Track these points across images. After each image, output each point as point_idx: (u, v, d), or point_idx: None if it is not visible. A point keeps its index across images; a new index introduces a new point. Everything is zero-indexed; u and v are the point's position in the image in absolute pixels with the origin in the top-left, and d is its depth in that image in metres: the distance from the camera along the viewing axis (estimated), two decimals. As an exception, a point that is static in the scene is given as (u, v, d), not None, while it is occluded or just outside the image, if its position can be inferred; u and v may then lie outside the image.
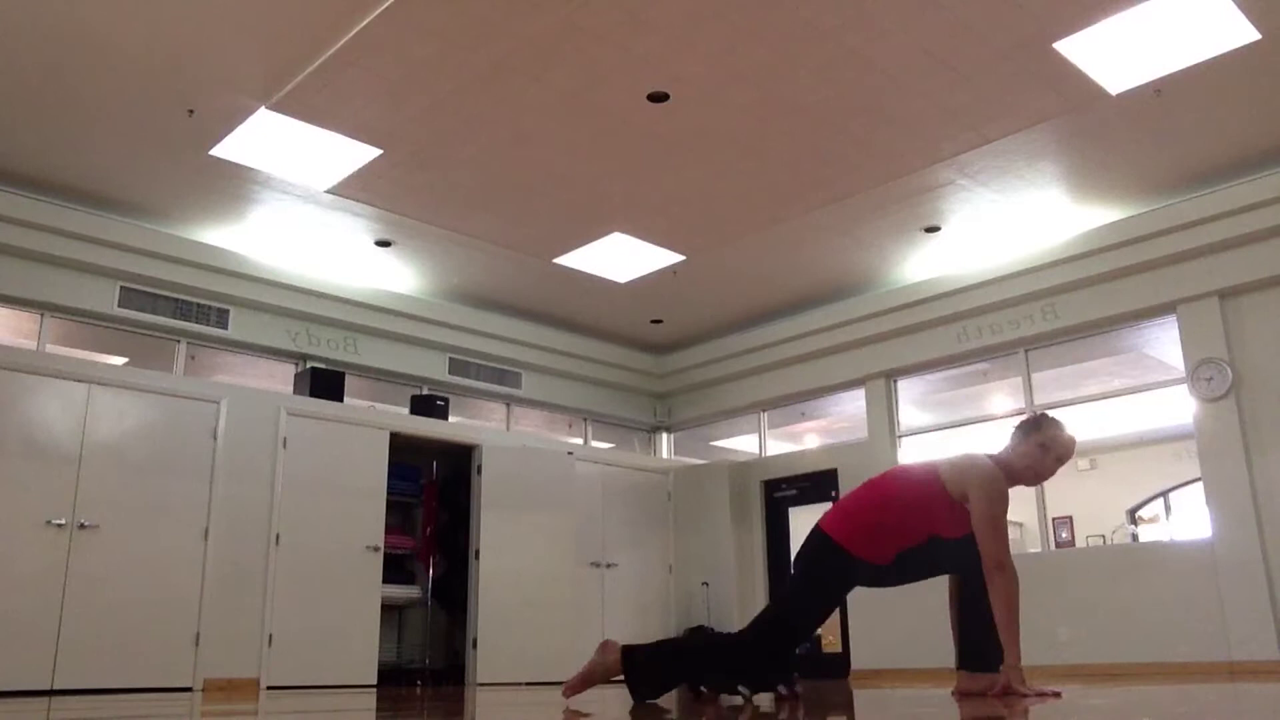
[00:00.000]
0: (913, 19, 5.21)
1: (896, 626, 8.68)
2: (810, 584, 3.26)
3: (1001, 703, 2.77)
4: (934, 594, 9.26)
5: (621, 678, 3.16)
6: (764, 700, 3.14)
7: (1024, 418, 3.45)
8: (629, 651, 3.14)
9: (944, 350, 8.80)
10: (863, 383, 9.43)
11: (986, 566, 3.06)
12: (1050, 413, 3.47)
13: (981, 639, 3.21)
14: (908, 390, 9.44)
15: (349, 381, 8.57)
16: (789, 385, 9.99)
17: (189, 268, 7.82)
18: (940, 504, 3.21)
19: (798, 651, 3.33)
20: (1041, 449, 3.26)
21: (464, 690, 6.42)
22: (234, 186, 7.13)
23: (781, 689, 3.23)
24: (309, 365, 8.48)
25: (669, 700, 3.23)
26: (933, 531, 3.25)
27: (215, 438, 7.46)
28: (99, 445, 6.92)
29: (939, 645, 8.27)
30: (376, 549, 8.07)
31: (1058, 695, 2.93)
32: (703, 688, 3.19)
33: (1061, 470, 3.40)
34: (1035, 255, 8.14)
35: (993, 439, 11.67)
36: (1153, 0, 5.08)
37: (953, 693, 3.41)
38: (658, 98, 5.94)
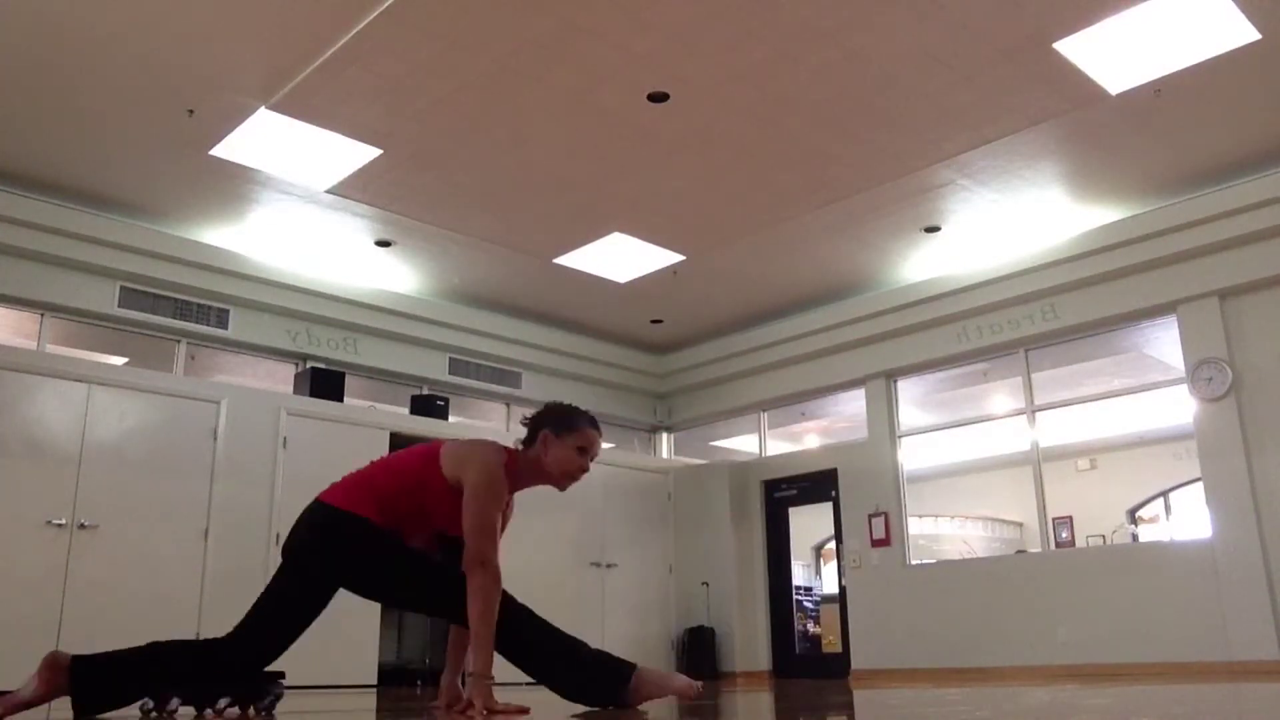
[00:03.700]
0: (913, 19, 5.21)
1: (896, 626, 8.68)
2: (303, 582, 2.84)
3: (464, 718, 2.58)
4: (934, 594, 9.23)
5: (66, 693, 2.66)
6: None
7: (546, 414, 3.01)
8: (80, 661, 2.66)
9: (944, 350, 8.81)
10: (863, 383, 9.44)
11: (468, 560, 2.70)
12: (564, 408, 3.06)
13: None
14: (908, 390, 9.44)
15: (349, 381, 8.56)
16: (789, 385, 9.99)
17: (189, 268, 7.82)
18: (434, 484, 2.82)
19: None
20: (580, 452, 2.96)
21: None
22: (234, 186, 7.13)
23: (269, 699, 2.82)
24: (309, 365, 8.48)
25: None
26: (436, 525, 2.88)
27: (215, 438, 7.46)
28: (99, 445, 6.92)
29: (939, 645, 8.30)
30: (376, 549, 8.06)
31: (524, 711, 2.63)
32: (176, 699, 2.79)
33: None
34: (1035, 255, 8.14)
35: (993, 439, 11.54)
36: (1153, 0, 5.08)
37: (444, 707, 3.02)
38: (658, 98, 5.94)
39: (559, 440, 2.96)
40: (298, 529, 2.86)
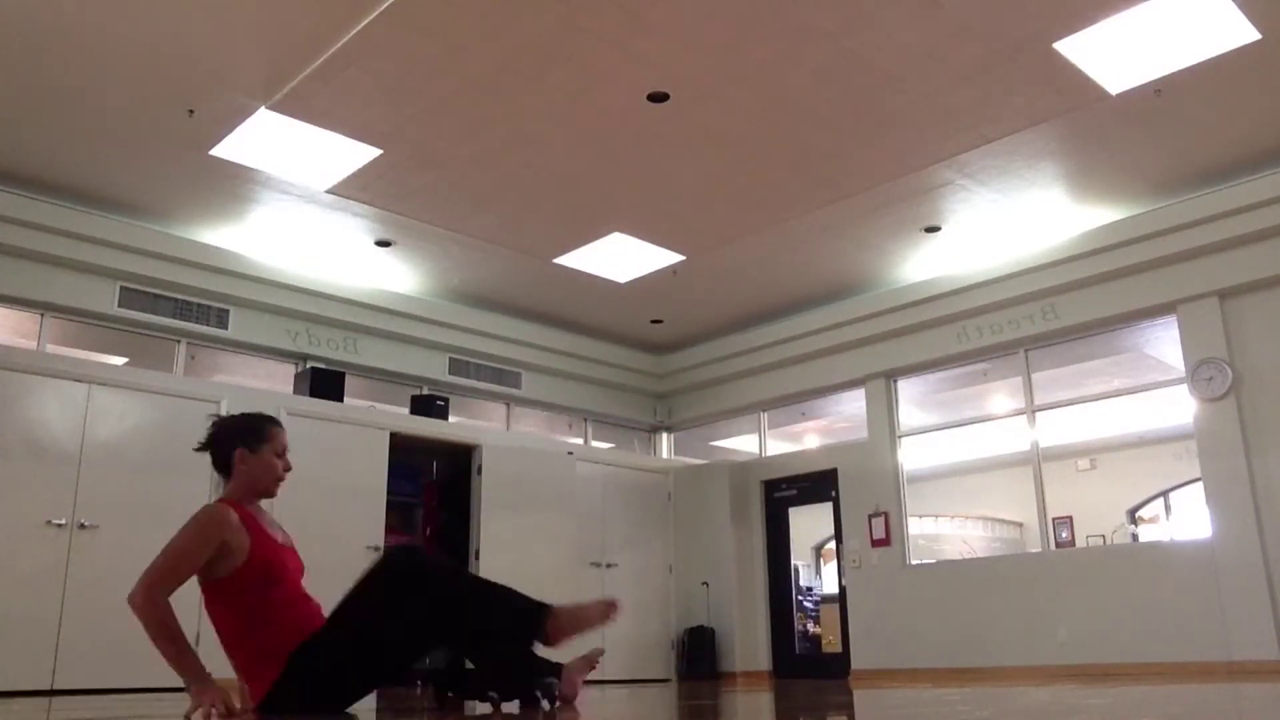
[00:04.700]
0: (913, 19, 5.21)
1: (896, 626, 8.68)
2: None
3: None
4: (934, 594, 9.22)
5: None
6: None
7: (231, 434, 2.96)
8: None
9: (944, 350, 8.80)
10: (863, 383, 9.43)
11: (133, 592, 2.62)
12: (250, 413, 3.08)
13: None
14: (908, 390, 9.44)
15: (349, 381, 8.56)
16: (789, 385, 9.99)
17: (189, 268, 7.82)
18: (222, 579, 2.77)
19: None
20: (278, 455, 3.00)
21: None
22: (234, 186, 7.12)
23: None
24: (309, 365, 8.48)
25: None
26: (287, 591, 2.90)
27: (215, 438, 7.45)
28: (99, 445, 6.91)
29: (939, 645, 8.29)
30: (376, 549, 8.06)
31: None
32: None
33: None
34: (1035, 255, 8.14)
35: (993, 439, 11.53)
36: (1153, 0, 5.08)
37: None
38: (658, 98, 5.94)
39: (256, 455, 2.94)
40: None
